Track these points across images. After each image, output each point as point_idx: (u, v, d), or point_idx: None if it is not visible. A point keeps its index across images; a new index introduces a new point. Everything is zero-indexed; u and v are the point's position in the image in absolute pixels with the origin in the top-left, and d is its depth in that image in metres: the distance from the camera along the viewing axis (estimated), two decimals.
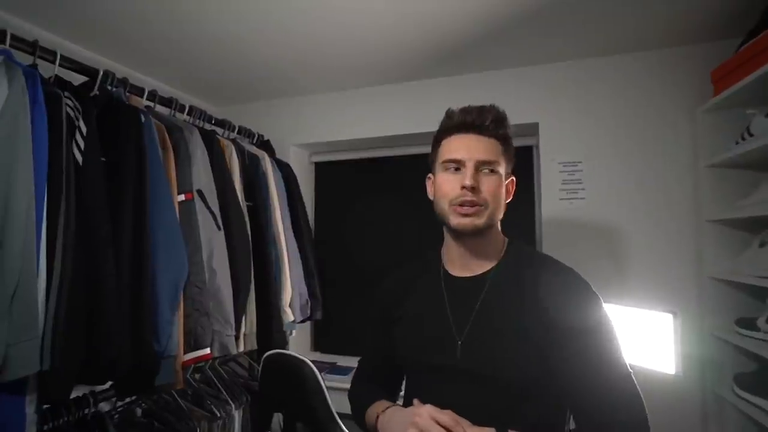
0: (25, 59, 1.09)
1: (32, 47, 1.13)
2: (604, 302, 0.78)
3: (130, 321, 1.12)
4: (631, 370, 0.73)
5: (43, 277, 0.94)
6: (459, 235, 0.83)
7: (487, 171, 0.80)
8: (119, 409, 1.48)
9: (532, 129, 1.79)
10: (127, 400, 1.50)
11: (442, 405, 0.72)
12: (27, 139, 0.95)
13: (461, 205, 0.79)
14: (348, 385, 1.85)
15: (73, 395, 1.08)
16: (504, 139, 0.83)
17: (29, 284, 0.91)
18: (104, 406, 1.38)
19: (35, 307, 0.91)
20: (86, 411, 1.24)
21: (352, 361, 2.15)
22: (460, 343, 0.81)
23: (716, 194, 1.48)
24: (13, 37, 1.08)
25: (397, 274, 1.02)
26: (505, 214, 0.86)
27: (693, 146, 1.56)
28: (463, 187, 0.78)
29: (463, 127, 0.83)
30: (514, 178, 0.88)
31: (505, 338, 0.77)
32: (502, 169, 0.82)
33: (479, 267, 0.85)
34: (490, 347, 0.78)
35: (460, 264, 0.87)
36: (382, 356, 0.99)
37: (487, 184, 0.80)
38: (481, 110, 0.82)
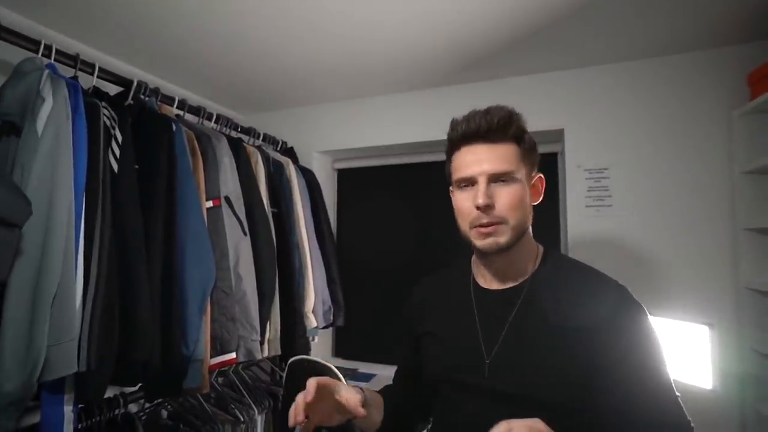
0: (67, 72, 1.15)
1: (74, 60, 1.19)
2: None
3: (160, 325, 1.14)
4: (677, 394, 0.68)
5: (80, 282, 0.98)
6: (484, 254, 0.78)
7: (502, 182, 0.73)
8: (147, 411, 1.51)
9: (557, 135, 1.77)
10: (154, 402, 1.53)
11: (470, 424, 0.71)
12: (68, 148, 0.99)
13: (480, 226, 0.74)
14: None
15: (105, 396, 1.11)
16: (518, 139, 0.76)
17: (68, 288, 0.94)
18: (133, 408, 1.41)
19: (73, 311, 0.95)
20: (116, 412, 1.27)
21: (374, 368, 2.18)
22: (488, 361, 0.76)
23: (753, 201, 1.43)
24: (58, 52, 1.15)
25: (425, 283, 0.97)
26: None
27: (728, 152, 1.51)
28: (477, 207, 0.72)
29: (469, 137, 0.75)
30: (541, 176, 0.81)
31: (537, 357, 0.72)
32: (521, 175, 0.74)
33: (512, 279, 0.79)
34: (520, 366, 0.73)
35: (491, 277, 0.82)
36: (411, 370, 0.96)
37: (503, 197, 0.73)
38: (486, 114, 0.74)
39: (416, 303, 0.95)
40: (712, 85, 1.54)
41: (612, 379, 0.67)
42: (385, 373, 2.16)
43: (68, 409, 0.98)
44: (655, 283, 1.56)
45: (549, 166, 1.88)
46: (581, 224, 1.67)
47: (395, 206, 2.28)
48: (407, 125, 2.03)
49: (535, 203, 0.80)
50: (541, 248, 0.82)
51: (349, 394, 0.74)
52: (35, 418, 0.98)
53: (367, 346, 2.28)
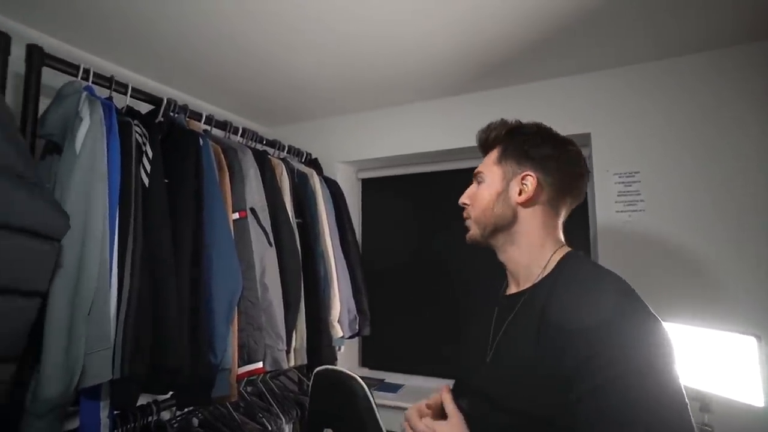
0: (103, 93, 1.22)
1: (109, 82, 1.26)
2: (674, 323, 0.70)
3: (189, 335, 1.17)
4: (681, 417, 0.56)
5: (114, 292, 1.02)
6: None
7: (476, 183, 0.85)
8: (178, 419, 1.55)
9: (584, 139, 1.72)
10: (185, 410, 1.57)
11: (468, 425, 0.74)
12: (103, 164, 1.04)
13: None
14: (396, 403, 1.83)
15: (138, 403, 1.15)
16: (502, 142, 0.83)
17: (104, 298, 0.98)
18: (165, 415, 1.45)
19: (108, 320, 0.98)
20: (149, 419, 1.31)
21: (401, 378, 2.16)
22: (486, 363, 0.78)
23: None
24: (95, 75, 1.22)
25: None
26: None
27: None
28: None
29: (481, 149, 0.89)
30: (530, 174, 0.78)
31: (516, 367, 0.71)
32: (490, 175, 0.82)
33: (523, 284, 0.80)
34: (503, 374, 0.73)
35: (510, 281, 0.85)
36: None
37: (475, 196, 0.84)
38: (486, 129, 0.86)
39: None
40: (750, 82, 1.47)
41: (584, 391, 0.59)
42: (413, 384, 2.14)
43: (104, 415, 1.02)
44: (695, 291, 1.48)
45: None
46: (612, 230, 1.61)
47: (419, 215, 2.27)
48: (429, 134, 2.03)
49: (520, 202, 0.78)
50: (559, 253, 0.76)
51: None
52: (75, 423, 1.02)
53: (394, 356, 2.26)
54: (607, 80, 1.68)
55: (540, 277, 0.75)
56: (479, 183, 0.84)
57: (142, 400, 1.31)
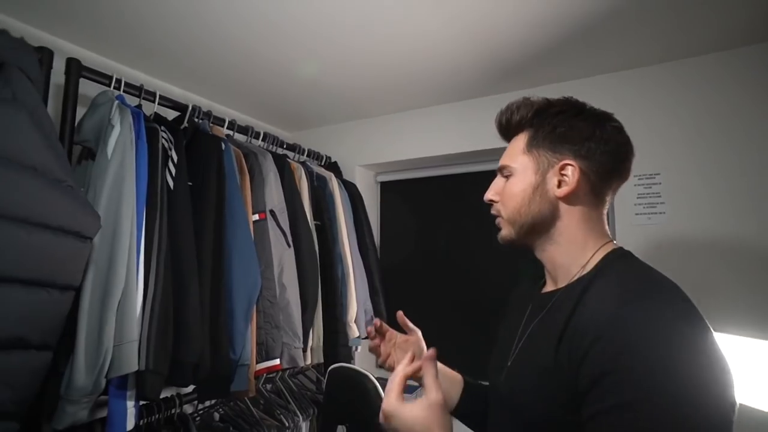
0: (133, 101, 1.29)
1: (138, 91, 1.33)
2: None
3: (210, 331, 1.23)
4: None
5: (140, 289, 1.08)
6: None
7: (504, 177, 0.75)
8: (200, 412, 1.61)
9: None
10: (207, 404, 1.63)
11: (491, 423, 0.73)
12: (131, 168, 1.11)
13: None
14: None
15: (162, 395, 1.21)
16: (530, 125, 0.72)
17: (131, 294, 1.04)
18: (188, 408, 1.51)
19: (134, 315, 1.05)
20: (173, 411, 1.37)
21: (417, 379, 2.16)
22: (508, 365, 0.72)
23: None
24: (126, 84, 1.29)
25: (520, 284, 0.90)
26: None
27: None
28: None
29: (501, 134, 0.79)
30: (569, 162, 0.67)
31: (533, 374, 0.64)
32: (521, 165, 0.71)
33: (560, 282, 0.71)
34: (521, 377, 0.68)
35: (548, 277, 0.75)
36: None
37: (503, 192, 0.74)
38: (506, 110, 0.76)
39: (508, 303, 0.90)
40: None
41: (597, 410, 0.52)
42: None
43: (130, 405, 1.08)
44: (717, 295, 1.43)
45: None
46: (631, 233, 1.58)
47: (438, 217, 2.28)
48: (447, 137, 2.05)
49: (562, 195, 0.68)
50: (603, 251, 0.67)
51: (427, 369, 0.66)
52: (105, 412, 1.08)
53: None
54: (627, 81, 1.65)
55: (577, 276, 0.67)
56: (507, 177, 0.74)
57: (166, 392, 1.38)
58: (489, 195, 0.76)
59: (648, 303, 0.54)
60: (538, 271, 0.80)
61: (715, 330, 0.90)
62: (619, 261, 0.65)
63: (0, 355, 0.81)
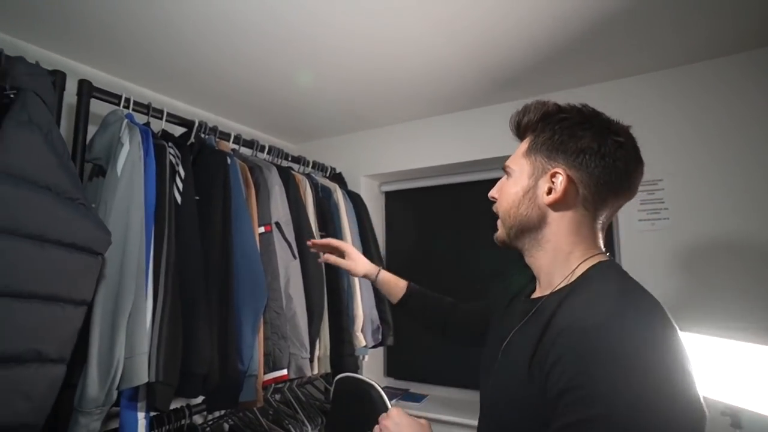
0: (141, 118, 1.33)
1: (146, 108, 1.37)
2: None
3: (218, 342, 1.25)
4: None
5: (150, 302, 1.11)
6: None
7: (507, 177, 0.76)
8: (210, 423, 1.63)
9: None
10: (216, 414, 1.65)
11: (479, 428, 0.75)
12: (140, 185, 1.14)
13: None
14: (420, 413, 1.85)
15: (172, 406, 1.23)
16: (535, 129, 0.72)
17: (140, 307, 1.07)
18: (197, 419, 1.53)
19: (144, 327, 1.07)
20: (183, 422, 1.39)
21: (425, 388, 2.18)
22: (494, 371, 0.72)
23: None
24: (135, 103, 1.33)
25: (507, 283, 0.91)
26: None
27: None
28: None
29: (514, 134, 0.79)
30: (559, 171, 0.67)
31: (511, 382, 0.64)
32: (519, 168, 0.72)
33: (544, 289, 0.71)
34: (501, 386, 0.68)
35: (538, 285, 0.75)
36: (471, 308, 1.09)
37: (501, 191, 0.76)
38: (520, 111, 0.75)
39: (497, 291, 0.92)
40: None
41: (560, 425, 0.52)
42: (438, 394, 2.14)
43: (141, 416, 1.10)
44: (723, 300, 1.43)
45: None
46: (634, 239, 1.58)
47: (442, 226, 2.30)
48: (452, 146, 2.07)
49: (549, 203, 0.68)
50: (589, 263, 0.66)
51: (352, 266, 1.15)
52: (117, 423, 1.11)
53: (418, 367, 2.28)
54: (628, 88, 1.67)
55: (560, 286, 0.67)
56: (507, 177, 0.76)
57: (176, 404, 1.40)
58: (492, 192, 0.79)
59: (613, 320, 0.54)
60: (528, 273, 0.81)
61: (720, 336, 0.87)
62: (599, 274, 0.64)
63: (19, 368, 0.84)
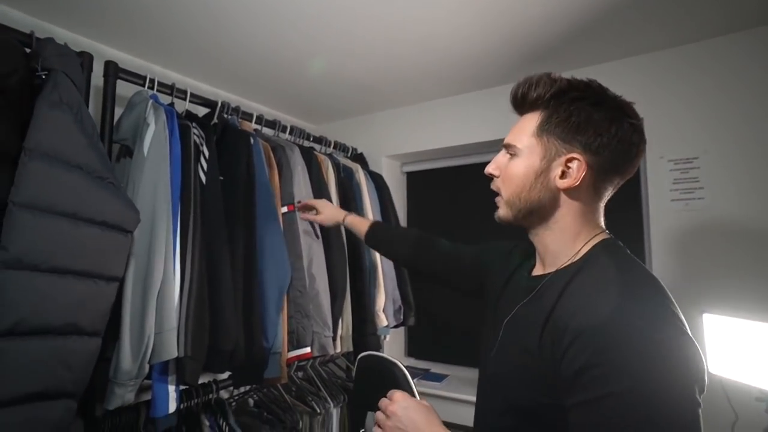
0: (166, 99, 1.34)
1: (170, 89, 1.38)
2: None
3: (243, 320, 1.28)
4: None
5: (177, 279, 1.13)
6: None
7: (510, 155, 0.72)
8: (236, 398, 1.68)
9: None
10: (242, 390, 1.70)
11: (477, 408, 0.77)
12: (166, 165, 1.16)
13: None
14: (440, 392, 1.85)
15: (200, 381, 1.27)
16: (546, 107, 0.68)
17: (168, 284, 1.10)
18: (224, 394, 1.58)
19: (172, 304, 1.10)
20: (210, 396, 1.44)
21: (445, 368, 2.19)
22: (496, 345, 0.73)
23: None
24: (159, 84, 1.34)
25: (514, 248, 0.90)
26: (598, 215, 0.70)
27: None
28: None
29: (513, 106, 0.74)
30: (576, 157, 0.64)
31: (518, 356, 0.66)
32: (528, 148, 0.68)
33: (548, 268, 0.72)
34: (505, 360, 0.69)
35: (539, 262, 0.75)
36: (445, 253, 1.09)
37: (504, 170, 0.72)
38: (524, 83, 0.71)
39: (494, 256, 0.92)
40: None
41: (575, 402, 0.55)
42: (458, 374, 2.15)
43: (172, 389, 1.14)
44: (761, 284, 1.37)
45: None
46: (667, 220, 1.52)
47: (464, 206, 2.27)
48: (472, 126, 2.02)
49: (564, 188, 0.66)
50: (593, 242, 0.68)
51: (321, 217, 1.32)
52: (149, 395, 1.15)
53: (439, 347, 2.29)
54: (659, 62, 1.58)
55: (566, 264, 0.67)
56: (512, 156, 0.71)
57: (203, 379, 1.44)
58: (490, 168, 0.75)
59: (628, 302, 0.56)
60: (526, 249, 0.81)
61: (756, 320, 0.85)
62: (604, 253, 0.65)
63: (60, 340, 0.88)
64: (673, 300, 0.58)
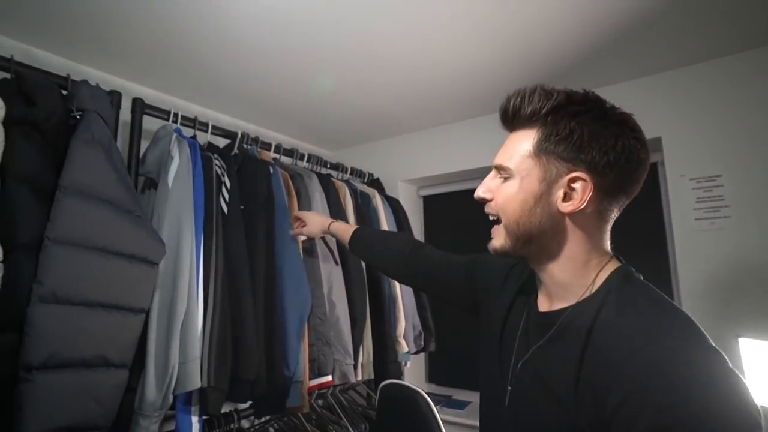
0: (188, 131, 1.39)
1: (193, 122, 1.43)
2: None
3: (265, 349, 1.28)
4: None
5: (201, 308, 1.15)
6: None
7: (503, 178, 0.65)
8: (256, 427, 1.66)
9: (654, 144, 1.61)
10: (263, 419, 1.68)
11: None
12: (190, 196, 1.19)
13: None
14: (463, 420, 1.80)
15: (222, 411, 1.26)
16: (542, 123, 0.61)
17: (192, 314, 1.11)
18: (245, 424, 1.57)
19: (196, 334, 1.11)
20: (232, 426, 1.43)
21: (468, 395, 2.14)
22: (510, 388, 0.67)
23: None
24: (182, 117, 1.39)
25: (510, 269, 0.84)
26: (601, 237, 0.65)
27: None
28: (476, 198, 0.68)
29: (503, 122, 0.67)
30: (581, 177, 0.59)
31: (542, 406, 0.61)
32: (524, 170, 0.62)
33: (558, 302, 0.65)
34: (530, 408, 0.63)
35: (543, 293, 0.69)
36: (434, 266, 1.10)
37: (498, 193, 0.65)
38: (515, 96, 0.64)
39: (489, 276, 0.88)
40: None
41: None
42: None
43: (195, 419, 1.14)
44: None
45: (648, 177, 1.72)
46: (692, 240, 1.48)
47: (481, 229, 2.25)
48: (487, 148, 2.00)
49: (568, 211, 0.60)
50: (607, 269, 0.62)
51: (308, 228, 1.36)
52: (173, 425, 1.15)
53: (460, 373, 2.24)
54: (679, 80, 1.58)
55: (584, 297, 0.61)
56: (506, 179, 0.64)
57: (225, 408, 1.44)
58: (480, 192, 0.68)
59: (683, 350, 0.50)
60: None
61: None
62: (625, 284, 0.60)
63: (88, 372, 0.89)
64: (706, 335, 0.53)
